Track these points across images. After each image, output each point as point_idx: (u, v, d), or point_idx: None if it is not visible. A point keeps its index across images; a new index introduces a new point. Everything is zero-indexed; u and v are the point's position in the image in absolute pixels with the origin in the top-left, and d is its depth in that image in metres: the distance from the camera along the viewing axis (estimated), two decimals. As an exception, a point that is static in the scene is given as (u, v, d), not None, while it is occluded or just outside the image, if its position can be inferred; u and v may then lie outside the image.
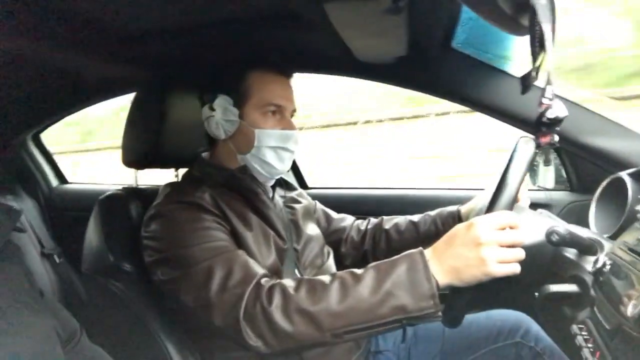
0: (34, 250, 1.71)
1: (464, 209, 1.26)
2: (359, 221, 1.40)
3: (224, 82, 1.10)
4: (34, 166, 1.96)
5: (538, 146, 0.88)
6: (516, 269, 0.76)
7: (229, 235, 0.98)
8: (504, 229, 0.77)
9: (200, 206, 0.98)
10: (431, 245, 1.27)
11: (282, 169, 1.11)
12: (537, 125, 0.88)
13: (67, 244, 1.84)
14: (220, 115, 1.07)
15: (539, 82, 0.82)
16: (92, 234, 1.12)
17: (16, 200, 1.79)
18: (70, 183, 2.09)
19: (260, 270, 0.90)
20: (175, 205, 0.99)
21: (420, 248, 0.83)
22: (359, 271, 0.84)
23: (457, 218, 1.25)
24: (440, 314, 0.79)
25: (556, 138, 0.90)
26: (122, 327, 1.05)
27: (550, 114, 0.80)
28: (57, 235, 1.88)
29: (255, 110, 1.07)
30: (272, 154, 1.08)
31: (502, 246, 0.75)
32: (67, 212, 1.93)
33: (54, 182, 2.03)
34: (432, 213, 1.31)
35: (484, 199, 1.15)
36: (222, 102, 1.07)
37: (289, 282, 0.86)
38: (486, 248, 0.75)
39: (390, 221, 1.35)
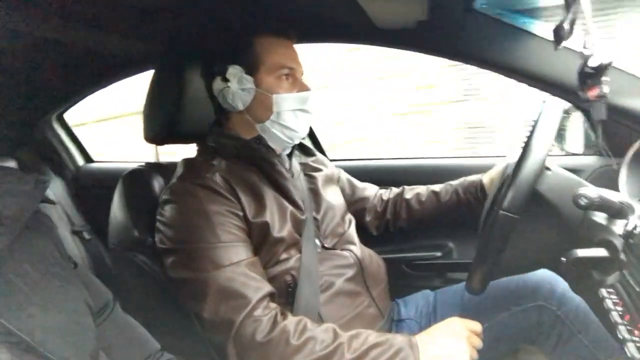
0: (64, 226, 1.77)
1: (486, 178, 1.24)
2: (382, 190, 1.40)
3: (232, 51, 1.07)
4: (60, 146, 1.99)
5: (586, 102, 0.84)
6: None
7: (241, 221, 0.98)
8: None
9: (211, 189, 0.97)
10: (451, 215, 1.27)
11: (302, 131, 1.10)
12: (581, 79, 0.84)
13: (96, 221, 1.89)
14: (236, 85, 1.05)
15: (574, 36, 0.78)
16: (116, 209, 1.14)
17: (44, 179, 1.84)
18: (96, 162, 2.13)
19: (256, 294, 0.90)
20: (187, 188, 0.99)
21: (411, 337, 0.87)
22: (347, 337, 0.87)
23: (480, 187, 1.24)
24: None
25: (605, 89, 0.85)
26: (149, 299, 1.07)
27: (593, 63, 0.76)
28: (86, 213, 1.93)
29: (269, 76, 1.05)
30: (292, 117, 1.06)
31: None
32: (94, 190, 1.97)
33: (80, 161, 2.07)
34: (454, 183, 1.30)
35: (505, 166, 1.12)
36: (235, 72, 1.05)
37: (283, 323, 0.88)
38: (467, 340, 0.87)
39: (411, 191, 1.34)
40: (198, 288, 0.91)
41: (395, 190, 1.38)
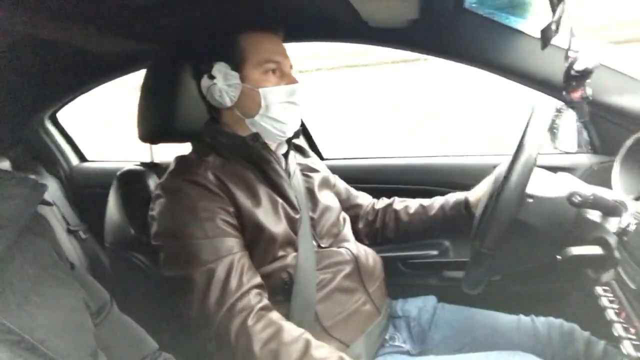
0: (59, 227, 1.76)
1: (472, 197, 1.23)
2: (375, 200, 1.40)
3: (217, 49, 1.08)
4: (53, 145, 1.98)
5: (570, 102, 0.85)
6: None
7: (231, 217, 0.98)
8: None
9: (202, 185, 0.97)
10: (437, 229, 1.29)
11: (293, 124, 1.10)
12: (566, 81, 0.85)
13: (91, 220, 1.88)
14: (222, 81, 1.05)
15: (560, 36, 0.79)
16: (112, 209, 1.14)
17: (38, 179, 1.82)
18: (90, 161, 2.11)
19: (236, 291, 0.89)
20: (177, 184, 0.99)
21: None
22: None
23: (465, 206, 1.23)
24: None
25: (589, 91, 0.86)
26: (146, 297, 1.07)
27: (578, 66, 0.77)
28: (81, 212, 1.92)
29: (256, 70, 1.06)
30: (280, 110, 1.06)
31: None
32: (88, 189, 1.96)
33: (74, 160, 2.06)
34: (441, 198, 1.30)
35: (490, 185, 1.12)
36: (220, 68, 1.06)
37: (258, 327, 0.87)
38: None
39: (401, 202, 1.35)
40: (184, 286, 0.91)
41: (386, 200, 1.38)
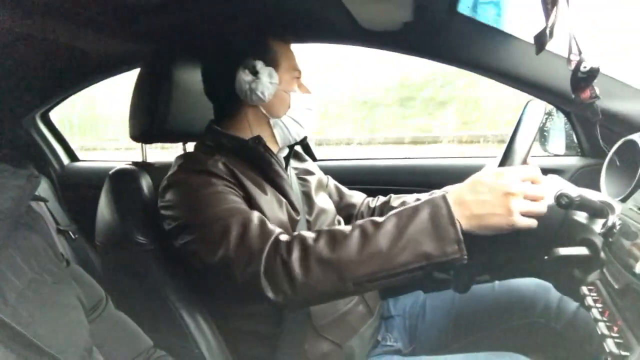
0: (50, 226, 1.75)
1: None
2: (370, 198, 1.40)
3: (255, 49, 1.09)
4: (44, 145, 1.97)
5: (581, 103, 0.86)
6: (534, 223, 0.76)
7: (244, 201, 0.99)
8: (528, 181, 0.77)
9: (213, 173, 0.98)
10: None
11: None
12: (574, 83, 0.87)
13: (82, 220, 1.87)
14: (267, 78, 1.07)
15: (554, 41, 0.81)
16: (104, 208, 1.13)
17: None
18: (82, 161, 2.11)
19: (277, 229, 0.89)
20: (188, 174, 0.99)
21: (443, 193, 0.80)
22: (380, 219, 0.81)
23: None
24: (465, 258, 0.76)
25: (597, 90, 0.88)
26: (136, 296, 1.07)
27: (584, 67, 0.79)
28: (72, 212, 1.91)
29: (287, 75, 1.10)
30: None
31: (526, 199, 0.76)
32: (79, 189, 1.95)
33: (65, 160, 2.05)
34: (438, 192, 1.30)
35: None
36: (264, 67, 1.07)
37: (308, 234, 0.84)
38: (515, 199, 0.75)
39: (398, 199, 1.35)
40: (217, 233, 0.88)
41: (382, 198, 1.38)
